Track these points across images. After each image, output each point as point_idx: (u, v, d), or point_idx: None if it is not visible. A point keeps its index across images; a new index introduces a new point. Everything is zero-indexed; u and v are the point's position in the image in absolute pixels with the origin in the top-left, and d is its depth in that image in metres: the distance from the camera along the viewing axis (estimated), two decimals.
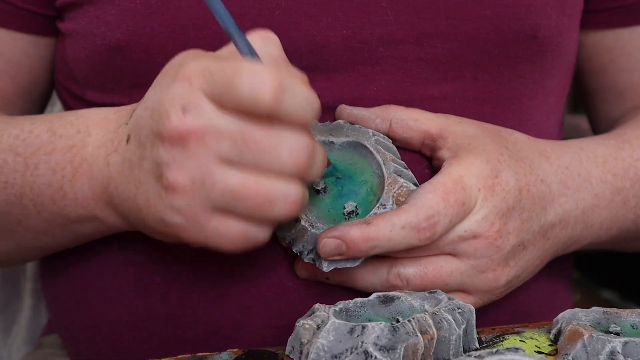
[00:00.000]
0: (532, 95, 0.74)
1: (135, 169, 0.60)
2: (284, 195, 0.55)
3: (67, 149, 0.66)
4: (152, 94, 0.59)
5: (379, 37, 0.68)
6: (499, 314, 0.72)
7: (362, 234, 0.62)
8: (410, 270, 0.65)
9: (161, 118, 0.56)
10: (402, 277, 0.65)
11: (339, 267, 0.64)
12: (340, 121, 0.69)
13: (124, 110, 0.65)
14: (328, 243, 0.62)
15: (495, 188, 0.65)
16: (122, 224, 0.65)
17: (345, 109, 0.69)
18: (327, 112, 0.68)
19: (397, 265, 0.65)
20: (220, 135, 0.55)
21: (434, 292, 0.61)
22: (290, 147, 0.55)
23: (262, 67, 0.55)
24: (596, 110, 0.85)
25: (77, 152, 0.66)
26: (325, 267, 0.64)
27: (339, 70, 0.69)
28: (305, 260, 0.65)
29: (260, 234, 0.57)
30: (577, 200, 0.70)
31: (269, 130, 0.55)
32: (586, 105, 0.87)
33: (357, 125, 0.69)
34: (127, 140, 0.61)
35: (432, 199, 0.63)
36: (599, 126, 0.86)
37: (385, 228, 0.62)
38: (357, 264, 0.64)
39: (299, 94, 0.55)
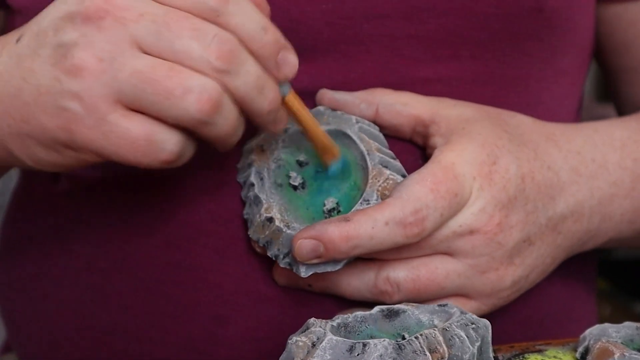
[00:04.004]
0: (541, 76, 0.69)
1: (25, 61, 0.55)
2: (199, 86, 0.52)
3: None
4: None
5: (363, 12, 0.63)
6: (508, 322, 0.67)
7: (340, 232, 0.57)
8: (400, 273, 0.60)
9: None
10: (391, 282, 0.60)
11: (318, 271, 0.59)
12: (321, 108, 0.64)
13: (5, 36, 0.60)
14: (304, 245, 0.58)
15: (493, 176, 0.60)
16: None
17: (326, 94, 0.64)
18: (307, 98, 0.63)
19: (386, 268, 0.60)
20: (141, 15, 0.52)
21: (444, 305, 0.56)
22: (215, 36, 0.52)
23: None
24: (620, 93, 0.80)
25: None
26: (304, 273, 0.59)
27: (318, 51, 0.64)
28: (281, 266, 0.60)
29: (167, 139, 0.53)
30: (591, 189, 0.64)
31: (195, 17, 0.52)
32: (609, 88, 0.81)
33: (338, 112, 0.64)
34: (18, 40, 0.56)
35: (419, 191, 0.58)
36: (624, 112, 0.80)
37: (367, 225, 0.57)
38: (338, 267, 0.59)
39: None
